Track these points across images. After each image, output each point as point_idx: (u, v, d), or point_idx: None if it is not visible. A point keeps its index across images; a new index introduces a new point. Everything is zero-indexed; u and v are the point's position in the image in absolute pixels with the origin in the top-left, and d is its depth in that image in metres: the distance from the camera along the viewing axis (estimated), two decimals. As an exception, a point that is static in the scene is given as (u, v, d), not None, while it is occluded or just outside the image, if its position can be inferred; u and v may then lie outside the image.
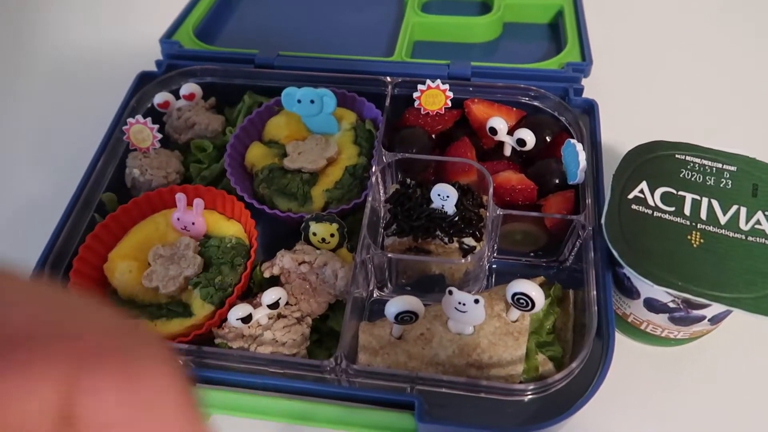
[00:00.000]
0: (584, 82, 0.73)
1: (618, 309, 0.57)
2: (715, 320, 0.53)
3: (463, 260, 0.56)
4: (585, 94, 0.71)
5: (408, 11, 0.86)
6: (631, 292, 0.54)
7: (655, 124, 0.79)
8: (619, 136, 0.70)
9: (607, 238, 0.51)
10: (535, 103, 0.68)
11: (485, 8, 0.89)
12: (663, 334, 0.56)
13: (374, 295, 0.61)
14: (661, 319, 0.54)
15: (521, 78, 0.72)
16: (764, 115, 0.81)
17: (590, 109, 0.68)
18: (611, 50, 0.86)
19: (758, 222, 0.51)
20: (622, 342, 0.60)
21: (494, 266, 0.63)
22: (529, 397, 0.48)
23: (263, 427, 0.55)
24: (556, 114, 0.67)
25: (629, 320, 0.57)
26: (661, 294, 0.50)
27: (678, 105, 0.83)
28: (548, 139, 0.65)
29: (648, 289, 0.51)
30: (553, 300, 0.56)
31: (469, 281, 0.59)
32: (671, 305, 0.51)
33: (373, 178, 0.60)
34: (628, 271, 0.49)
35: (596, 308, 0.51)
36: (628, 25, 0.96)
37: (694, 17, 0.96)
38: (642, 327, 0.56)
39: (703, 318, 0.52)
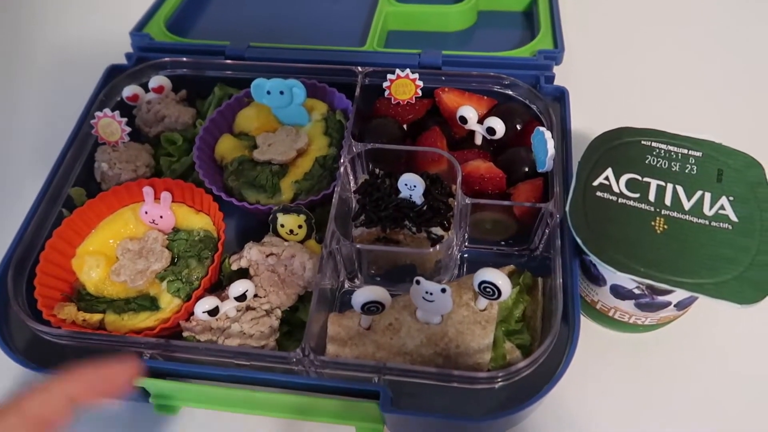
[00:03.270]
0: (556, 69, 0.73)
1: (587, 296, 0.58)
2: (681, 306, 0.53)
3: (431, 250, 0.56)
4: (557, 81, 0.71)
5: (381, 0, 0.86)
6: (598, 279, 0.54)
7: (626, 110, 0.79)
8: (590, 122, 0.70)
9: (571, 226, 0.51)
10: (507, 92, 0.68)
11: (460, -4, 0.89)
12: (631, 321, 0.56)
13: (345, 286, 0.61)
14: (628, 305, 0.54)
15: (493, 66, 0.71)
16: (732, 101, 0.81)
17: (561, 96, 0.68)
18: (585, 36, 0.86)
19: (722, 207, 0.51)
20: (591, 329, 0.60)
21: (465, 255, 0.63)
22: (499, 384, 0.48)
23: (232, 418, 0.55)
24: (527, 102, 0.67)
25: (597, 307, 0.57)
26: (626, 280, 0.51)
27: (649, 91, 0.83)
28: (518, 127, 0.64)
29: (612, 275, 0.51)
30: (522, 288, 0.56)
31: (440, 270, 0.59)
32: (636, 291, 0.51)
33: (342, 169, 0.59)
34: (592, 257, 0.49)
35: (562, 294, 0.51)
36: (602, 11, 0.96)
37: (667, 4, 0.96)
38: (610, 314, 0.57)
39: (669, 304, 0.52)
